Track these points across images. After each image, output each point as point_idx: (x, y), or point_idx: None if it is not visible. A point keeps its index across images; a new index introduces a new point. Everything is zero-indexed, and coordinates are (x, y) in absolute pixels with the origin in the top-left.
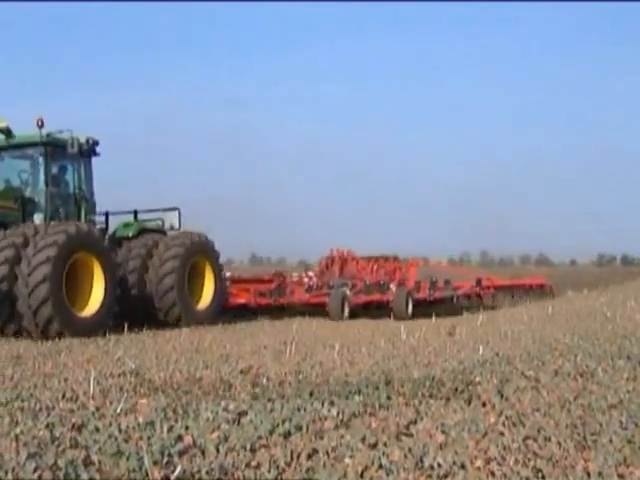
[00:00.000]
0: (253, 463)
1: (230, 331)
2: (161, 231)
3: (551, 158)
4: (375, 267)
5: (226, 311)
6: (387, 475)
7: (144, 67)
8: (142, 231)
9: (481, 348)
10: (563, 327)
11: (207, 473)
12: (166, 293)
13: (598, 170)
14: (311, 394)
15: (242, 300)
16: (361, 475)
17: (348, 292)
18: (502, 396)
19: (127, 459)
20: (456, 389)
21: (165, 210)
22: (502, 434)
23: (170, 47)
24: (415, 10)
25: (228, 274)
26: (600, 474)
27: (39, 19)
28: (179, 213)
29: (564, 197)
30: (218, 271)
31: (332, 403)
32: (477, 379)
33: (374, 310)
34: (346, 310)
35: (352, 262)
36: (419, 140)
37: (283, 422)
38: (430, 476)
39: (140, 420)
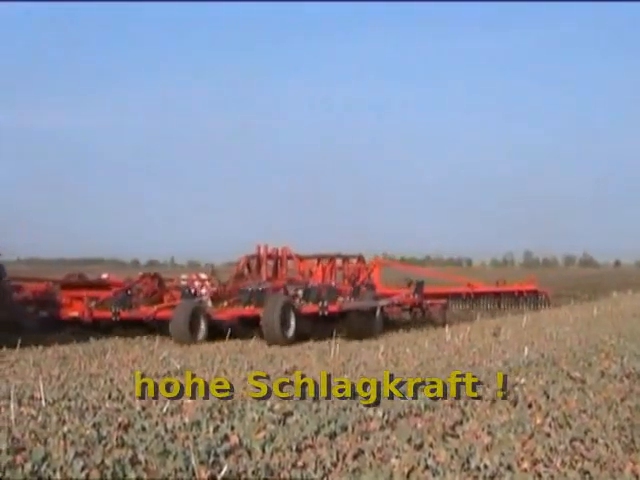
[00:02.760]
0: (299, 463)
1: None
2: None
3: (597, 158)
4: (329, 269)
5: (56, 326)
6: (433, 476)
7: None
8: None
9: (526, 349)
10: (609, 328)
11: (253, 473)
12: None
13: None
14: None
15: (75, 313)
16: (407, 476)
17: (207, 304)
18: (548, 397)
19: (174, 459)
20: (501, 390)
21: None
22: (548, 435)
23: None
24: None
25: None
26: None
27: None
28: None
29: (607, 197)
30: None
31: (377, 404)
32: (522, 380)
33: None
34: (201, 329)
35: (295, 263)
36: (462, 139)
37: (329, 422)
38: (477, 477)
39: (186, 420)
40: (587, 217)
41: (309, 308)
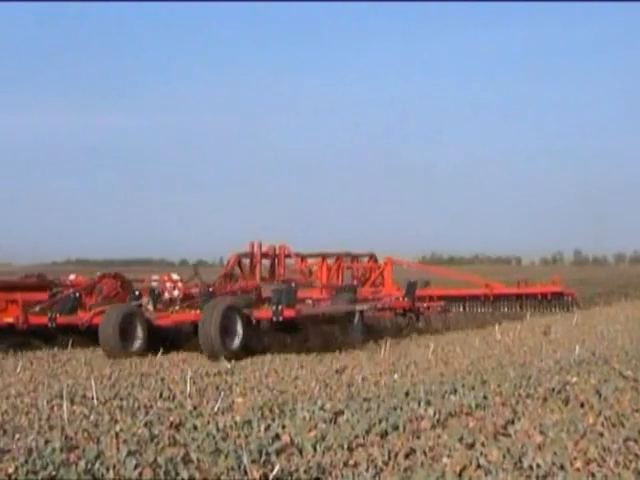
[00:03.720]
0: (351, 462)
1: None
2: None
3: None
4: (335, 268)
5: None
6: (486, 475)
7: None
8: None
9: (577, 348)
10: None
11: (305, 472)
12: None
13: None
14: (407, 394)
15: (10, 319)
16: (459, 475)
17: (149, 308)
18: (600, 396)
19: (225, 457)
20: (553, 389)
21: None
22: (601, 435)
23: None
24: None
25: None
26: None
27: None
28: None
29: None
30: None
31: (428, 403)
32: (574, 379)
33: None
34: (137, 337)
35: (295, 262)
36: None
37: (380, 421)
38: (529, 477)
39: (237, 419)
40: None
41: (262, 313)
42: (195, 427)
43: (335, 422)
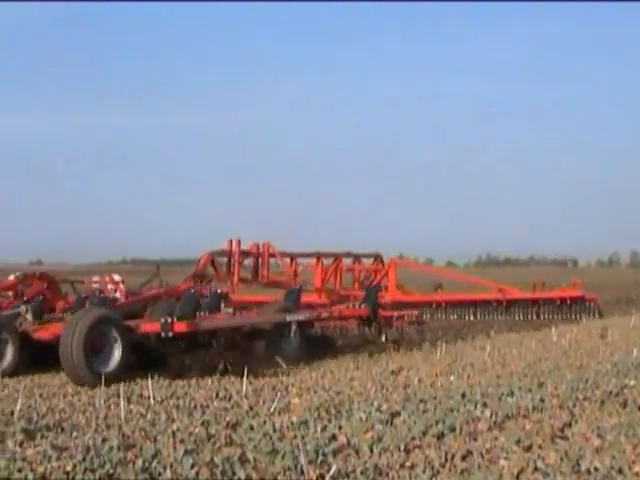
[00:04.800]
0: (407, 464)
1: None
2: None
3: None
4: (332, 269)
5: None
6: (543, 478)
7: None
8: None
9: (635, 351)
10: None
11: (362, 473)
12: None
13: None
14: (463, 395)
15: None
16: (517, 477)
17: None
18: None
19: (282, 457)
20: (610, 392)
21: None
22: None
23: None
24: None
25: None
26: None
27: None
28: None
29: None
30: None
31: (485, 405)
32: (632, 382)
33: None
34: (7, 353)
35: (281, 262)
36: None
37: (436, 423)
38: None
39: (294, 419)
40: None
41: (149, 327)
42: (252, 427)
43: (391, 423)
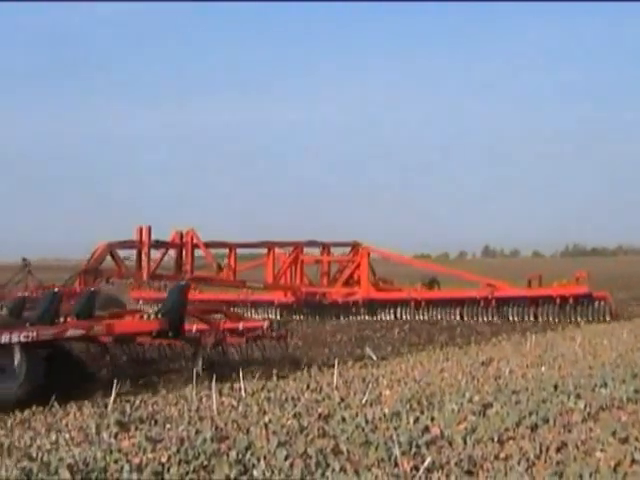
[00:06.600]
0: (502, 455)
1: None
2: None
3: None
4: (289, 262)
5: None
6: None
7: None
8: None
9: None
10: None
11: (456, 464)
12: None
13: None
14: (555, 387)
15: None
16: (614, 470)
17: None
18: None
19: (376, 449)
20: None
21: None
22: None
23: None
24: None
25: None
26: None
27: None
28: None
29: None
30: None
31: (578, 396)
32: None
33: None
34: None
35: (206, 254)
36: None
37: (530, 414)
38: None
39: (386, 411)
40: None
41: None
42: (344, 419)
43: (484, 415)
